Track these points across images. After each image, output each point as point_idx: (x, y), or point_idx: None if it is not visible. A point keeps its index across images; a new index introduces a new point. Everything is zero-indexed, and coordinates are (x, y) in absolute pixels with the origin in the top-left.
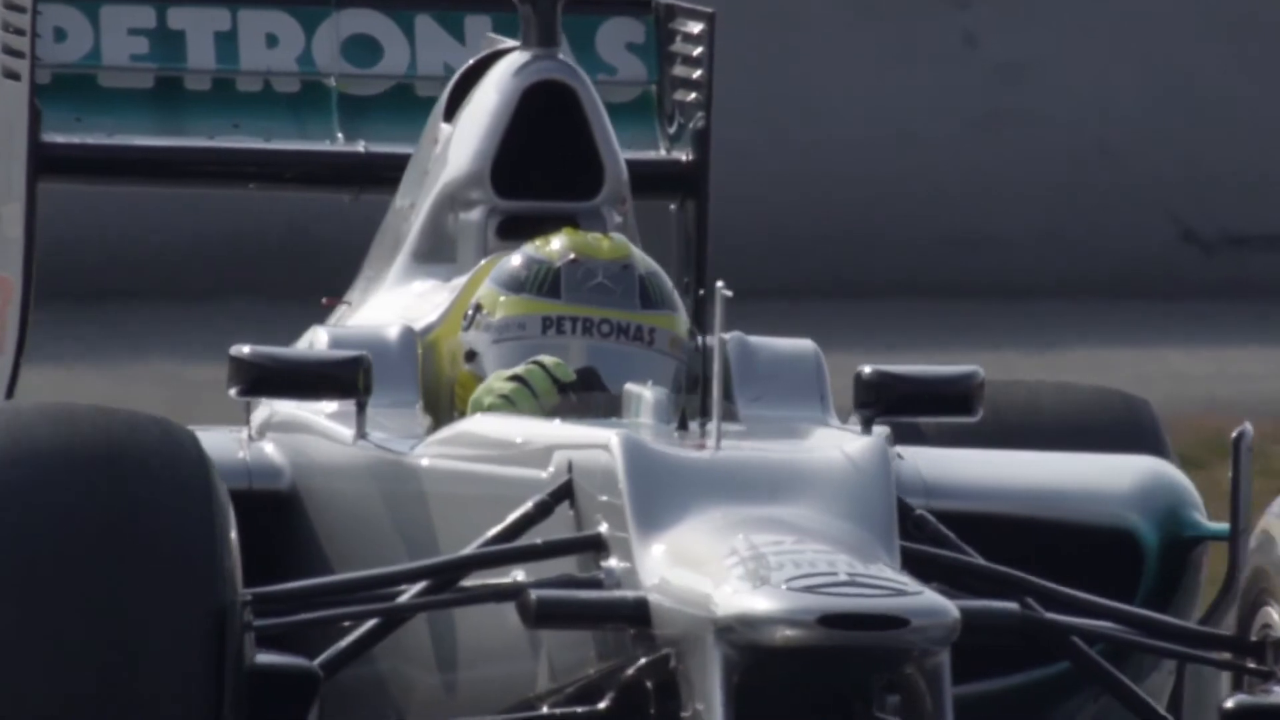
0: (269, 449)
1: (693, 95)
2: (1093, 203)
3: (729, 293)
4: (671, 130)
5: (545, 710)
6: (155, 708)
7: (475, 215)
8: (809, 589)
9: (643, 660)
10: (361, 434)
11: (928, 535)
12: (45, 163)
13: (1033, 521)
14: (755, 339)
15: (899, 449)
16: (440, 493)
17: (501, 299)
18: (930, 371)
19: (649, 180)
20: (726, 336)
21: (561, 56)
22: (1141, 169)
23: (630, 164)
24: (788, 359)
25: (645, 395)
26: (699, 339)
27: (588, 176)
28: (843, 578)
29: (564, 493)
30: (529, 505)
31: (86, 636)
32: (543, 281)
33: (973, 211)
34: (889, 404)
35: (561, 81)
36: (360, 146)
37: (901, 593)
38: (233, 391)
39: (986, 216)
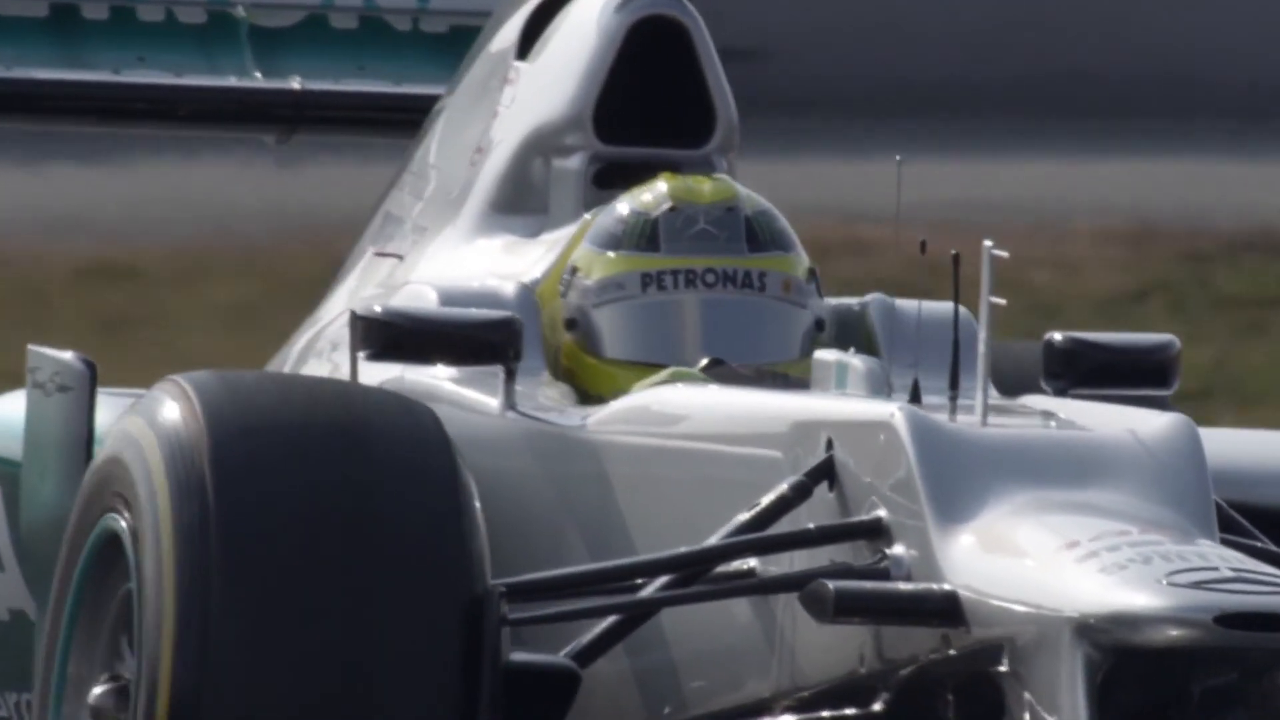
0: None
1: None
2: None
3: (1003, 253)
4: None
5: (791, 714)
6: (405, 710)
7: (573, 162)
8: (1196, 585)
9: (942, 660)
10: (510, 405)
11: (1222, 523)
12: None
13: None
14: (901, 301)
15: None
16: (634, 474)
17: (598, 258)
18: (1127, 340)
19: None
20: (871, 298)
21: None
22: None
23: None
24: (938, 323)
25: (854, 364)
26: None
27: (698, 121)
28: (1227, 573)
29: (822, 474)
30: (784, 488)
31: (329, 632)
32: (640, 235)
33: None
34: (1083, 374)
35: (671, 17)
36: (295, 84)
37: None
38: (363, 355)
39: None
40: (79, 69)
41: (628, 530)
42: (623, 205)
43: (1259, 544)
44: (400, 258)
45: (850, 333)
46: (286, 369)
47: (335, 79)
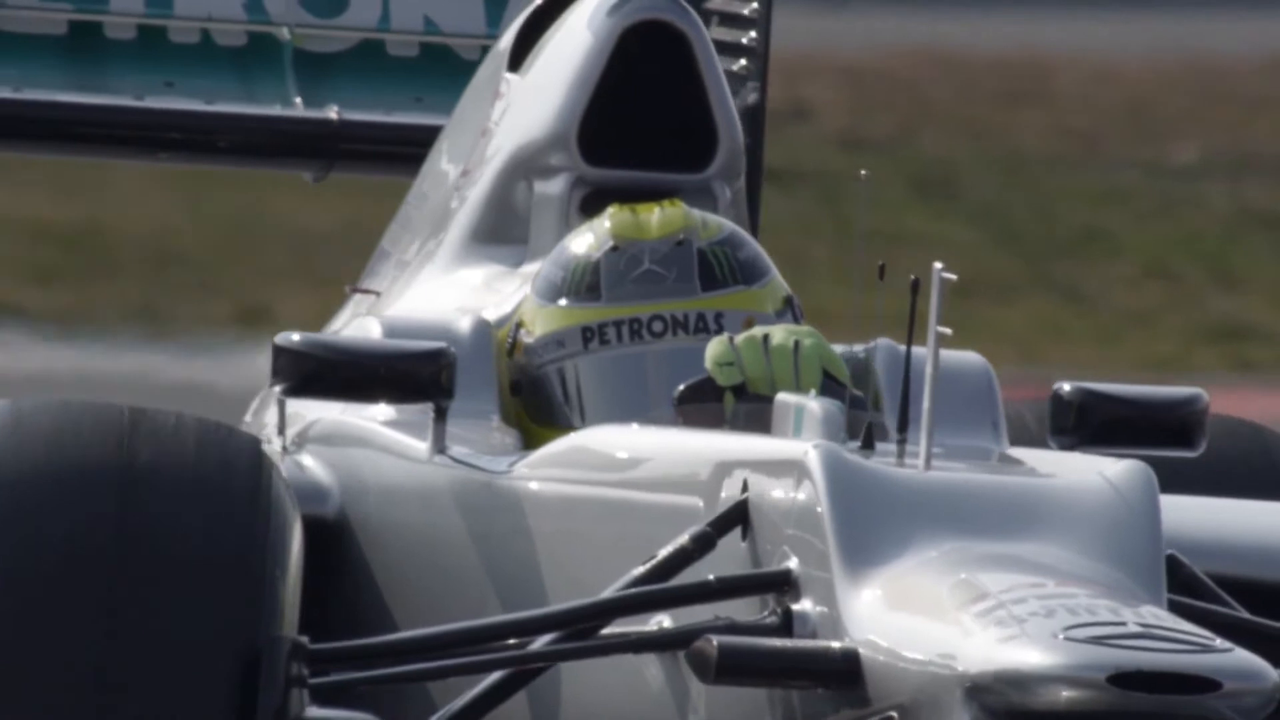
0: (311, 465)
1: (741, 62)
2: None
3: (951, 276)
4: None
5: None
6: None
7: (555, 186)
8: (1095, 640)
9: None
10: (440, 448)
11: (1180, 583)
12: None
13: None
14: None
15: None
16: (553, 526)
17: (540, 312)
18: (1146, 393)
19: None
20: (874, 344)
21: None
22: None
23: None
24: (950, 374)
25: (810, 407)
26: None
27: (698, 142)
28: (1134, 629)
29: (734, 520)
30: (684, 538)
31: (82, 673)
32: (581, 282)
33: None
34: (1094, 430)
35: (669, 23)
36: (332, 114)
37: (1208, 649)
38: (278, 390)
39: None
40: (97, 93)
41: (544, 588)
42: (567, 246)
43: (1214, 608)
44: (378, 294)
45: (856, 382)
46: (248, 416)
47: (387, 111)
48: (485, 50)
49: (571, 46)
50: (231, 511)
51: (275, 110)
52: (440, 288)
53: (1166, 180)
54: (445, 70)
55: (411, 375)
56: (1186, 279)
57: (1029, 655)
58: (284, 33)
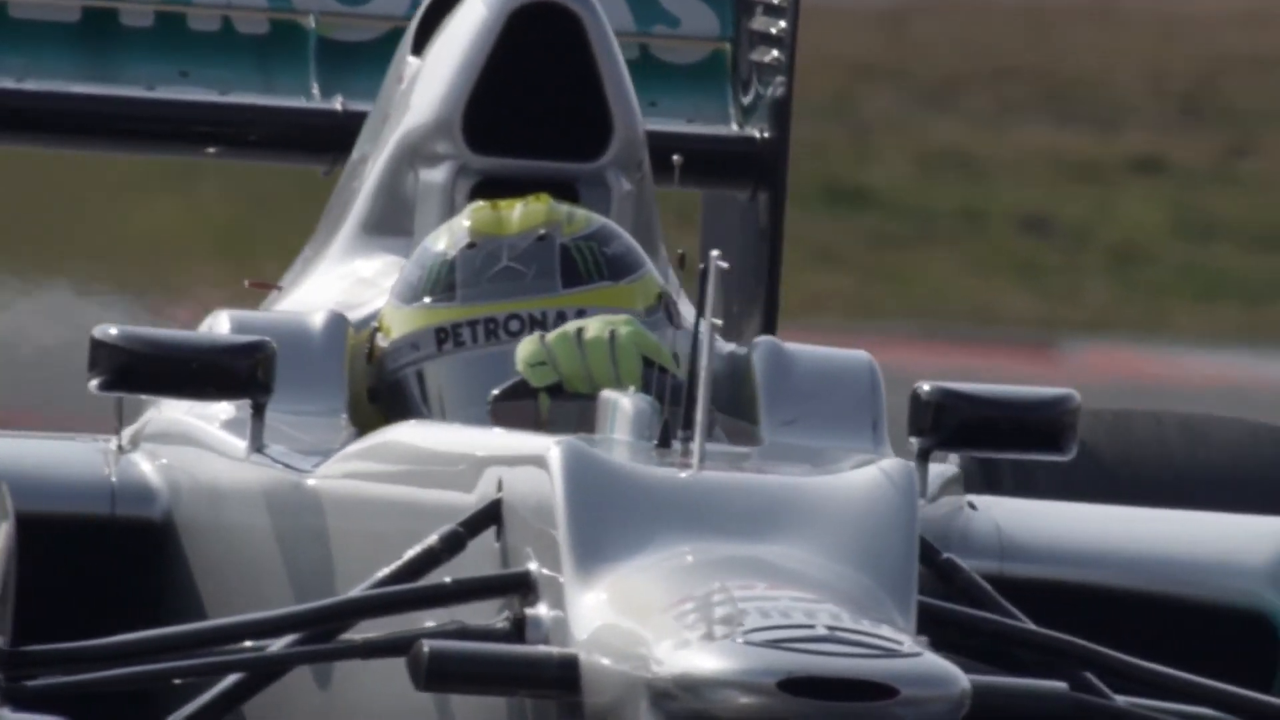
0: (143, 465)
1: (773, 54)
2: None
3: (724, 264)
4: (746, 100)
5: None
6: None
7: (440, 175)
8: (772, 644)
9: None
10: (257, 447)
11: (958, 588)
12: None
13: (1139, 596)
14: (793, 346)
15: (971, 497)
16: (349, 525)
17: (396, 314)
18: (1009, 393)
19: (714, 163)
20: (759, 341)
21: None
22: None
23: (693, 143)
24: (833, 373)
25: (623, 404)
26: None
27: (592, 130)
28: (820, 631)
29: (487, 519)
30: (434, 538)
31: None
32: (438, 281)
33: None
34: (953, 433)
35: (560, 5)
36: (337, 104)
37: (892, 654)
38: (94, 384)
39: None
40: (108, 83)
41: (340, 587)
42: (427, 245)
43: (981, 613)
44: (279, 288)
45: (738, 382)
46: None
47: None
48: None
49: (465, 28)
50: None
51: (278, 101)
52: (330, 282)
53: None
54: None
55: (226, 370)
56: None
57: (704, 660)
58: (310, 21)
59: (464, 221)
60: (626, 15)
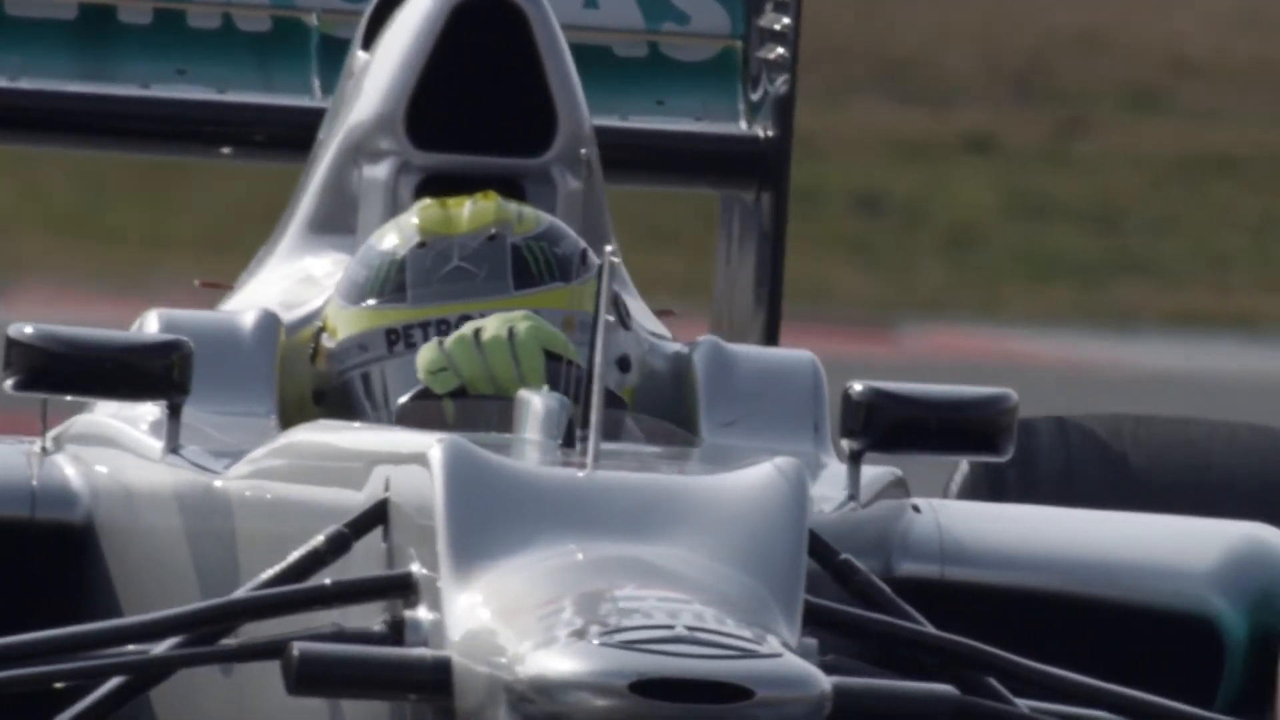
0: (66, 468)
1: (778, 51)
2: None
3: (617, 259)
4: (755, 97)
5: None
6: None
7: (382, 171)
8: (627, 645)
9: None
10: (172, 448)
11: (854, 589)
12: None
13: (1084, 600)
14: (735, 347)
15: (916, 500)
16: (249, 527)
17: (342, 314)
18: (943, 393)
19: (718, 163)
20: (701, 341)
21: None
22: None
23: (697, 142)
24: (775, 373)
25: (534, 403)
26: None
27: (536, 125)
28: (679, 631)
29: (374, 520)
30: (319, 539)
31: None
32: (386, 281)
33: None
34: (885, 434)
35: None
36: (328, 103)
37: (750, 655)
38: (9, 384)
39: None
40: (101, 81)
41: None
42: (372, 243)
43: (870, 614)
44: (230, 287)
45: (679, 382)
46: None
47: None
48: None
49: (410, 23)
50: None
51: (268, 99)
52: (275, 280)
53: None
54: None
55: (140, 370)
56: None
57: (559, 661)
58: (312, 18)
59: (412, 219)
60: (636, 13)
